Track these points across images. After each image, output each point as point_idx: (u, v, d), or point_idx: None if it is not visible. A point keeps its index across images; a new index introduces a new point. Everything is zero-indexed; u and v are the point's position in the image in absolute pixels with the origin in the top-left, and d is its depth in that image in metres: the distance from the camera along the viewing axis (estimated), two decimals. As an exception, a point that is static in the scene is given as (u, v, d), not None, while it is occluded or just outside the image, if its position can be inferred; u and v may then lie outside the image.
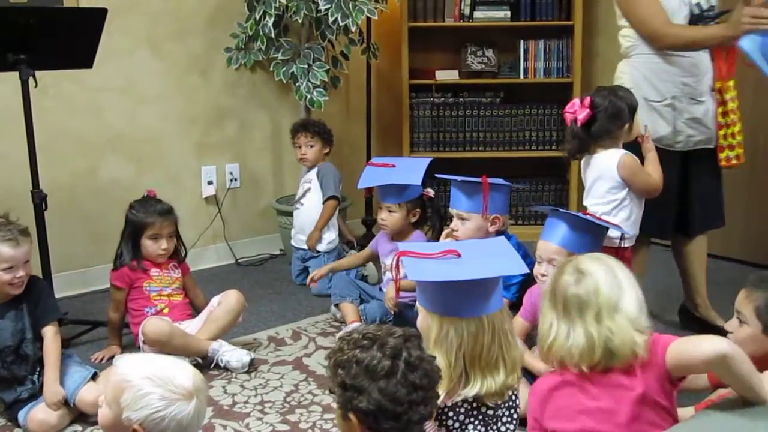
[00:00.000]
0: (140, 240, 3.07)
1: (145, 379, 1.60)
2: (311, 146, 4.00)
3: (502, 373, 1.87)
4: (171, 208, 3.15)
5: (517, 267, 2.09)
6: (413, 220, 3.37)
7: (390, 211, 3.33)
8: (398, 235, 3.35)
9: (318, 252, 3.94)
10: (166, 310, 3.07)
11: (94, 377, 2.62)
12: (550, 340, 1.87)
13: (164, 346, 2.83)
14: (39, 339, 2.61)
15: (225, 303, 3.08)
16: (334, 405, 1.64)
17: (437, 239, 3.34)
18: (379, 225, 3.43)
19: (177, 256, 3.21)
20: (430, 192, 3.40)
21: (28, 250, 2.56)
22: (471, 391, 1.85)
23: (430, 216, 3.42)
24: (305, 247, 3.97)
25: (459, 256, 1.95)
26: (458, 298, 1.84)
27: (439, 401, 1.81)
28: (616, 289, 1.86)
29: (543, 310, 1.94)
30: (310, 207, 3.99)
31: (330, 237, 3.96)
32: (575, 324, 1.84)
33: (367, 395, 1.55)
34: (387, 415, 1.55)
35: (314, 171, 4.03)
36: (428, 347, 1.85)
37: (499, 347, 1.86)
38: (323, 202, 3.93)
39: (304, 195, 4.04)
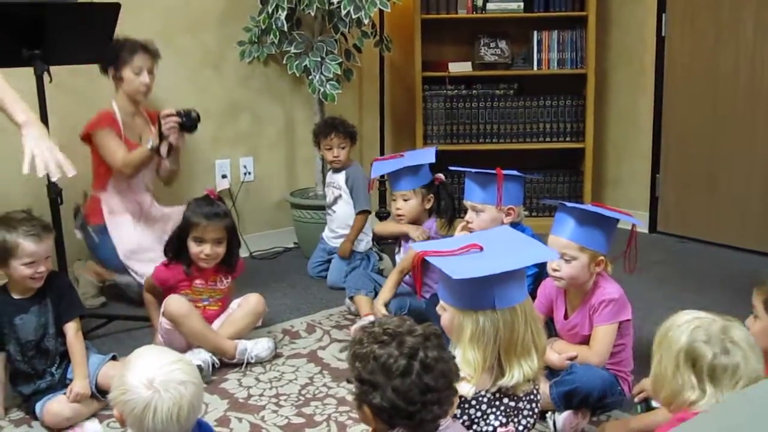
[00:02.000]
0: (186, 240, 2.94)
1: (128, 368, 1.67)
2: (343, 148, 3.93)
3: (536, 359, 1.91)
4: (224, 212, 2.98)
5: (546, 254, 2.13)
6: (428, 206, 3.35)
7: (405, 200, 3.32)
8: (413, 223, 3.34)
9: None
10: None
11: (114, 359, 2.66)
12: (684, 398, 1.71)
13: (181, 325, 2.86)
14: (61, 334, 2.62)
15: (245, 306, 3.06)
16: (351, 394, 1.64)
17: (449, 226, 3.34)
18: (394, 216, 3.40)
19: (228, 266, 3.04)
20: (441, 176, 3.38)
21: (50, 245, 2.58)
22: (510, 380, 1.88)
23: (443, 203, 3.40)
24: (335, 245, 3.97)
25: (482, 249, 1.95)
26: (494, 290, 1.85)
27: (466, 392, 1.82)
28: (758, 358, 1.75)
29: (671, 364, 1.73)
30: (342, 214, 3.97)
31: (362, 240, 3.92)
32: (723, 390, 1.68)
33: (381, 392, 1.56)
34: (400, 413, 1.57)
35: (342, 176, 3.96)
36: (460, 345, 1.86)
37: (531, 333, 1.90)
38: (355, 214, 3.90)
39: (335, 202, 3.99)
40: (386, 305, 3.18)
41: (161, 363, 1.68)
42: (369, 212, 3.94)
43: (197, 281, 2.99)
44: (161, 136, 3.29)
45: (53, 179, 2.40)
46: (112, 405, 1.69)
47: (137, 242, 3.47)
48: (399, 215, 3.34)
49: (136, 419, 1.63)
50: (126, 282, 3.52)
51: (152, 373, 1.64)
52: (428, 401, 1.57)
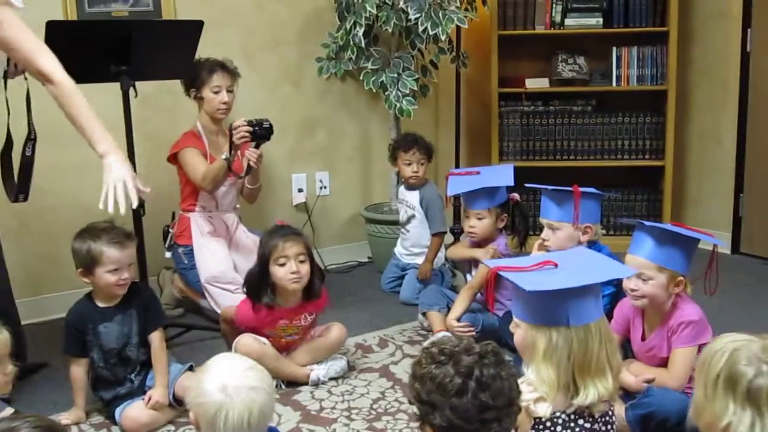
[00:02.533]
0: (268, 269, 2.85)
1: (205, 373, 1.72)
2: (422, 164, 3.94)
3: (610, 379, 1.87)
4: (298, 231, 2.97)
5: (619, 270, 2.09)
6: (501, 225, 3.33)
7: (479, 218, 3.29)
8: (484, 242, 3.32)
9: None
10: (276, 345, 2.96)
11: (191, 369, 2.72)
12: (723, 424, 1.61)
13: None
14: (143, 344, 2.70)
15: (327, 337, 3.00)
16: (415, 415, 1.66)
17: (522, 245, 3.31)
18: (467, 234, 3.39)
19: (311, 295, 2.94)
20: (516, 196, 3.36)
21: (132, 253, 2.66)
22: (584, 400, 1.85)
23: (517, 221, 3.38)
24: (408, 261, 3.99)
25: (556, 266, 1.93)
26: (569, 306, 1.84)
27: (542, 413, 1.81)
28: None
29: (710, 390, 1.63)
30: (416, 236, 3.99)
31: (436, 258, 3.92)
32: (764, 416, 1.59)
33: (440, 412, 1.57)
34: (459, 431, 1.57)
35: (416, 195, 3.96)
36: (533, 363, 1.85)
37: (606, 353, 1.87)
38: (431, 236, 3.91)
39: (408, 221, 4.00)
40: (458, 320, 3.17)
41: (235, 369, 1.72)
42: (445, 233, 3.94)
43: (282, 321, 2.92)
44: (231, 146, 3.33)
45: (122, 213, 2.45)
46: (188, 408, 1.74)
47: (221, 269, 3.47)
48: (472, 233, 3.32)
49: (209, 423, 1.67)
50: (209, 306, 3.55)
51: (226, 379, 1.68)
52: (487, 419, 1.57)
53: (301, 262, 2.85)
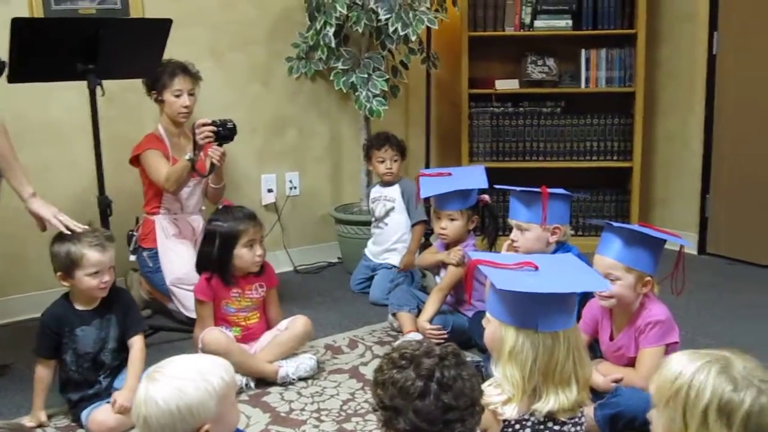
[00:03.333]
0: (232, 251, 2.93)
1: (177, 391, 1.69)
2: (396, 161, 3.98)
3: (574, 390, 1.86)
4: (252, 211, 3.06)
5: (599, 284, 2.11)
6: (471, 227, 3.33)
7: (452, 219, 3.29)
8: (453, 244, 3.32)
9: (391, 265, 3.94)
10: (239, 335, 2.99)
11: None
12: None
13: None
14: (120, 349, 2.67)
15: (292, 329, 3.01)
16: (379, 421, 1.67)
17: (492, 245, 3.31)
18: (437, 235, 3.38)
19: (261, 270, 3.04)
20: (486, 197, 3.37)
21: (112, 255, 2.63)
22: (544, 406, 1.85)
23: (487, 222, 3.39)
24: (379, 261, 3.99)
25: (537, 269, 1.94)
26: (539, 311, 1.84)
27: (508, 415, 1.81)
28: None
29: (700, 425, 1.48)
30: (395, 226, 3.99)
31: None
32: None
33: (404, 416, 1.58)
34: None
35: (395, 189, 4.00)
36: (500, 361, 1.85)
37: (573, 363, 1.86)
38: (413, 226, 3.92)
39: (387, 214, 4.00)
40: (430, 322, 3.17)
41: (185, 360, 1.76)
42: (427, 221, 3.92)
43: (234, 290, 2.98)
44: (195, 146, 3.30)
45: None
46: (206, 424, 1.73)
47: (186, 271, 3.41)
48: (443, 235, 3.32)
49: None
50: (176, 309, 3.54)
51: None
52: (450, 420, 1.58)
53: (262, 243, 3.00)
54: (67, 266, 2.54)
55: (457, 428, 1.59)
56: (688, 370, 1.51)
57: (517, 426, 1.85)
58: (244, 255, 2.93)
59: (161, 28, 3.15)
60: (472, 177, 3.32)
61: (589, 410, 2.29)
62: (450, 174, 3.36)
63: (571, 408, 1.87)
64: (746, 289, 3.98)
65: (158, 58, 3.24)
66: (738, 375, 1.47)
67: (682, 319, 2.56)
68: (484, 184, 3.25)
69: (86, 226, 2.64)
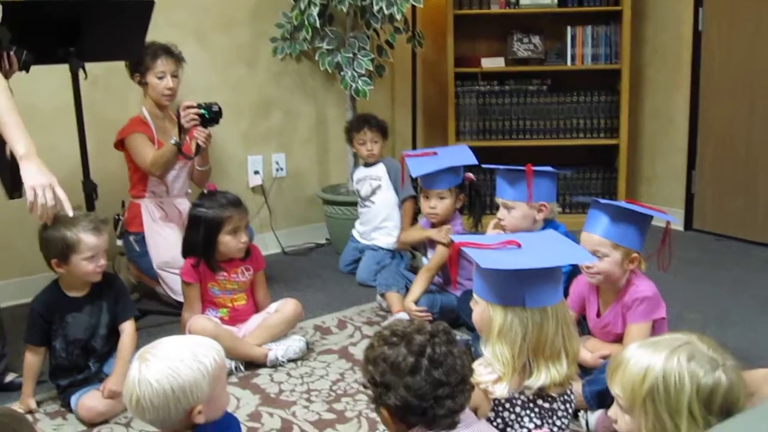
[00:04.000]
0: (217, 237, 2.90)
1: (173, 369, 1.71)
2: (376, 142, 3.97)
3: (565, 364, 1.88)
4: (237, 197, 3.02)
5: (582, 256, 2.11)
6: (459, 205, 3.33)
7: (441, 198, 3.27)
8: (440, 223, 3.32)
9: (378, 246, 3.94)
10: (227, 317, 2.98)
11: None
12: None
13: None
14: (111, 335, 2.65)
15: (282, 312, 3.00)
16: (369, 398, 1.68)
17: (478, 224, 3.32)
18: (426, 214, 3.37)
19: (246, 254, 3.02)
20: (471, 175, 3.36)
21: (107, 238, 2.60)
22: (536, 381, 1.86)
23: (472, 201, 3.39)
24: (366, 242, 3.99)
25: (519, 246, 1.94)
26: (525, 288, 1.84)
27: (499, 394, 1.82)
28: None
29: (684, 417, 1.45)
30: (382, 204, 3.98)
31: (394, 236, 3.91)
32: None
33: (395, 391, 1.61)
34: (413, 410, 1.61)
35: (380, 167, 3.99)
36: (489, 340, 1.86)
37: (562, 338, 1.88)
38: (402, 202, 3.91)
39: (374, 193, 4.00)
40: (416, 302, 3.18)
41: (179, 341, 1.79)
42: (416, 197, 3.91)
43: (220, 274, 2.97)
44: (181, 129, 3.28)
45: (47, 222, 2.45)
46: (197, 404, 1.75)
47: (173, 254, 3.35)
48: (433, 214, 3.30)
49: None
50: (164, 293, 3.52)
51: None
52: (440, 396, 1.60)
53: (246, 230, 2.97)
54: (63, 252, 2.50)
55: (447, 404, 1.61)
56: (656, 364, 1.47)
57: (507, 404, 1.87)
58: (228, 242, 2.91)
59: (144, 9, 3.12)
60: (459, 154, 3.31)
61: (577, 386, 2.31)
62: (435, 153, 3.35)
63: (562, 382, 1.89)
64: (732, 265, 4.00)
65: (141, 40, 3.21)
66: (704, 355, 1.45)
67: (668, 294, 2.57)
68: (473, 160, 3.24)
69: (77, 210, 2.60)
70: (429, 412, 1.60)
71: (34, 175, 2.37)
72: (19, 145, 2.39)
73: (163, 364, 1.70)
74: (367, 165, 4.04)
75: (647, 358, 1.49)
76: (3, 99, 2.41)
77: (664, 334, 1.61)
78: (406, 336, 1.64)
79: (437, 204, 3.27)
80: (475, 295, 1.96)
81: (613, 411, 1.60)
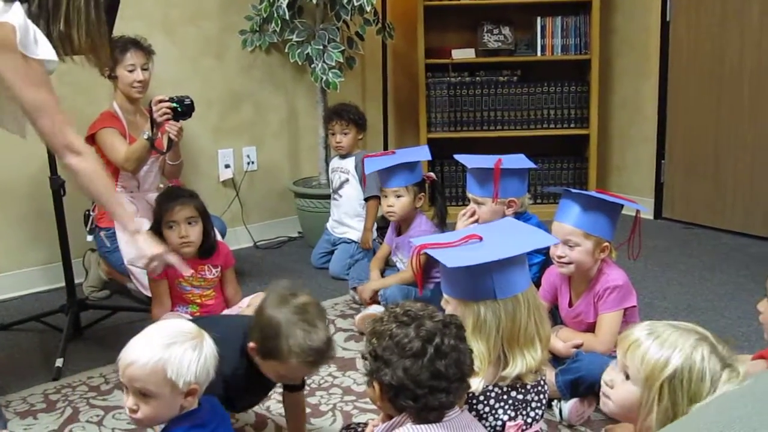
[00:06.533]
0: (162, 232, 2.82)
1: (167, 347, 1.70)
2: (346, 134, 3.95)
3: (539, 348, 1.88)
4: (190, 193, 2.93)
5: (543, 239, 2.11)
6: (418, 204, 3.33)
7: (398, 196, 3.27)
8: (404, 222, 3.32)
9: (350, 240, 3.93)
10: (197, 313, 2.92)
11: None
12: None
13: None
14: None
15: (254, 307, 2.98)
16: (363, 370, 1.66)
17: (442, 223, 3.32)
18: (384, 213, 3.36)
19: (207, 251, 2.93)
20: (433, 175, 3.39)
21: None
22: (513, 371, 1.86)
23: (434, 200, 3.40)
24: (338, 235, 3.98)
25: (481, 239, 1.94)
26: (494, 279, 1.84)
27: (474, 388, 1.82)
28: None
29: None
30: (350, 198, 3.98)
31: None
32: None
33: (392, 370, 1.58)
34: (406, 393, 1.59)
35: (350, 161, 3.98)
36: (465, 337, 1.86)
37: (534, 323, 1.88)
38: (365, 201, 3.91)
39: (341, 186, 4.00)
40: (376, 293, 3.22)
41: (175, 323, 1.86)
42: (378, 198, 3.91)
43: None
44: (153, 123, 3.24)
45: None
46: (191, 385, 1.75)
47: None
48: (390, 212, 3.30)
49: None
50: (135, 288, 3.48)
51: (188, 326, 1.81)
52: (436, 387, 1.58)
53: (190, 224, 2.83)
54: None
55: (440, 398, 1.59)
56: (681, 352, 1.54)
57: (482, 397, 1.86)
58: (169, 236, 2.81)
59: (111, 2, 3.08)
60: (415, 153, 3.36)
61: (550, 376, 2.32)
62: (394, 153, 3.39)
63: (537, 369, 1.89)
64: (701, 253, 4.05)
65: (109, 32, 3.16)
66: (720, 356, 1.54)
67: (639, 283, 2.60)
68: (427, 156, 3.29)
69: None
70: (421, 400, 1.58)
71: (142, 249, 2.43)
72: (130, 223, 2.44)
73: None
74: (341, 156, 4.04)
75: (672, 342, 1.56)
76: (104, 177, 2.40)
77: (681, 322, 1.64)
78: (417, 319, 1.62)
79: (394, 202, 3.28)
80: (445, 295, 1.95)
81: (609, 376, 1.65)
